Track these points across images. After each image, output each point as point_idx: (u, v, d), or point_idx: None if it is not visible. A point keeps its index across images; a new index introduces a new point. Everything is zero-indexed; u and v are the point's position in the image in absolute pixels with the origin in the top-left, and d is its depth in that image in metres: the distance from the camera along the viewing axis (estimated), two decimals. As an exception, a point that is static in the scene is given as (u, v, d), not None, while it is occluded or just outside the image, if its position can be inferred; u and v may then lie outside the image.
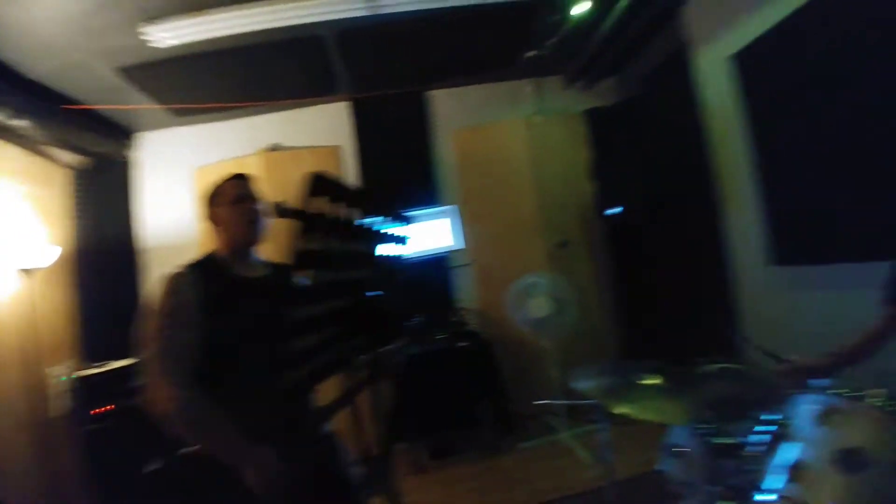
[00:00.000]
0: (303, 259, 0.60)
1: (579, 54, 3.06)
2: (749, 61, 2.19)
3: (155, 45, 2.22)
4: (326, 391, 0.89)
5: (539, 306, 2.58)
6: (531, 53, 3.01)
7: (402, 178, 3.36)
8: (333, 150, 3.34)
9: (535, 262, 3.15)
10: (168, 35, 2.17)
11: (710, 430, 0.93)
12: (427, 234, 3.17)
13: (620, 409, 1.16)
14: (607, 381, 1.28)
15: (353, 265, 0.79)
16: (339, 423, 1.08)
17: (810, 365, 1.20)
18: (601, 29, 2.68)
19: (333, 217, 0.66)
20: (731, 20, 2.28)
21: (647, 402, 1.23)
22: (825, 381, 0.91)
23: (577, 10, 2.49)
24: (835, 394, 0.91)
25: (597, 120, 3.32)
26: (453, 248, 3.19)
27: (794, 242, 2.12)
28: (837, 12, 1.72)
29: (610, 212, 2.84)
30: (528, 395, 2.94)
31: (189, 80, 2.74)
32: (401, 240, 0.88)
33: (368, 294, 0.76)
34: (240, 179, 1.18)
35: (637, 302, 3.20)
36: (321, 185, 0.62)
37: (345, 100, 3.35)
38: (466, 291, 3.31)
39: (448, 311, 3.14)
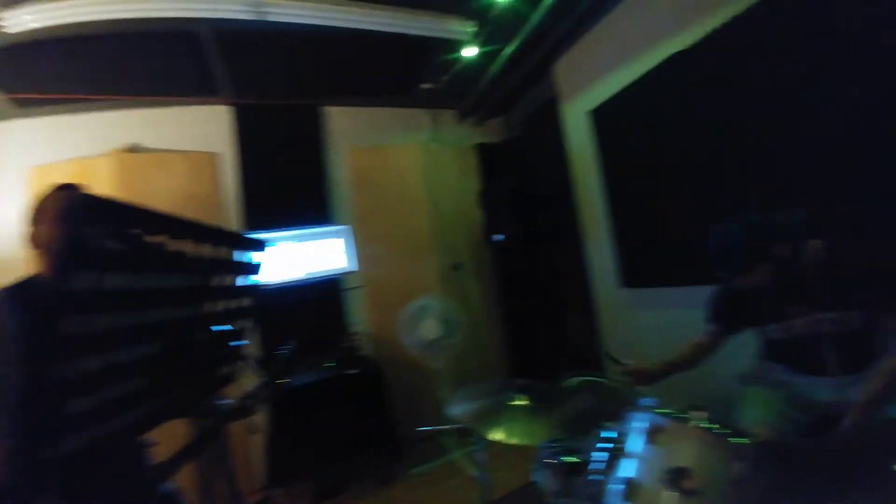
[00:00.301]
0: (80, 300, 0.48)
1: (469, 93, 3.31)
2: (603, 117, 2.62)
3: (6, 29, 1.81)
4: (169, 442, 0.76)
5: (430, 328, 2.62)
6: (426, 86, 3.17)
7: (290, 193, 3.14)
8: (209, 157, 2.99)
9: (428, 283, 3.22)
10: (28, 19, 1.79)
11: (559, 448, 0.99)
12: (319, 255, 3.02)
13: (491, 434, 1.16)
14: (479, 406, 1.29)
15: (183, 299, 0.67)
16: (185, 477, 0.92)
17: (644, 369, 1.43)
18: (488, 74, 2.95)
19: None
20: (589, 82, 2.71)
21: (517, 423, 1.25)
22: (652, 401, 0.95)
23: (466, 54, 2.70)
24: (661, 413, 0.93)
25: (485, 154, 3.62)
26: (346, 270, 3.08)
27: (637, 268, 2.53)
28: (668, 82, 2.17)
29: (496, 238, 3.05)
30: (421, 418, 2.94)
31: (39, 68, 2.26)
32: (249, 268, 0.80)
33: (214, 329, 0.67)
34: (68, 191, 0.97)
35: (519, 322, 3.46)
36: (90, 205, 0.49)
37: (225, 103, 3.05)
38: (359, 315, 3.20)
39: (339, 336, 2.99)
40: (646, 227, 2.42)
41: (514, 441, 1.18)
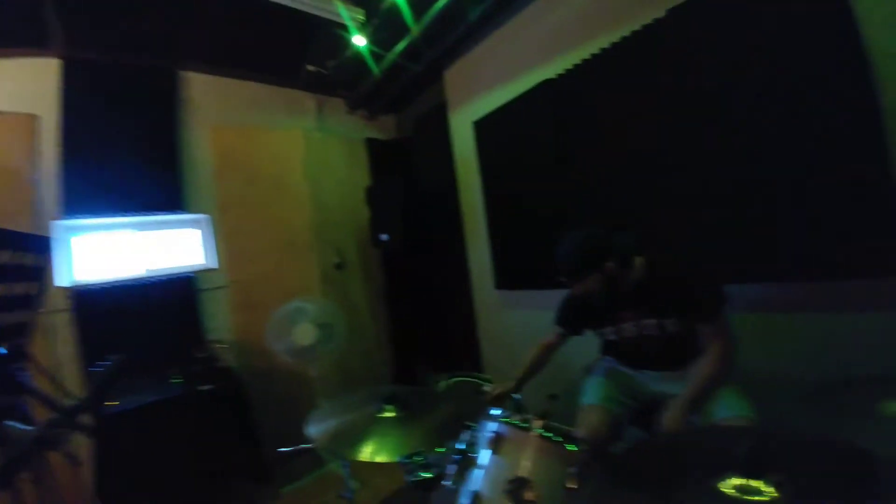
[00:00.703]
0: None
1: (359, 84, 3.17)
2: (485, 129, 2.75)
3: None
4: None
5: (304, 334, 2.43)
6: (312, 68, 2.93)
7: (131, 172, 2.56)
8: (26, 120, 2.30)
9: (306, 284, 3.00)
10: None
11: (414, 463, 0.99)
12: (168, 248, 2.55)
13: (356, 454, 1.09)
14: (339, 424, 1.21)
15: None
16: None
17: (503, 391, 1.53)
18: (379, 67, 2.85)
19: None
20: (475, 93, 2.82)
21: (385, 437, 1.19)
22: (498, 410, 0.97)
23: (356, 42, 2.57)
24: (506, 422, 0.94)
25: (375, 150, 3.52)
26: (204, 267, 2.67)
27: (510, 271, 2.73)
28: (539, 106, 2.36)
29: (382, 237, 2.98)
30: (297, 432, 2.70)
31: None
32: (28, 272, 0.61)
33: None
34: None
35: (405, 324, 3.46)
36: None
37: (55, 56, 2.38)
38: (220, 320, 2.81)
39: (193, 345, 2.58)
40: (517, 235, 2.62)
41: (380, 459, 1.11)
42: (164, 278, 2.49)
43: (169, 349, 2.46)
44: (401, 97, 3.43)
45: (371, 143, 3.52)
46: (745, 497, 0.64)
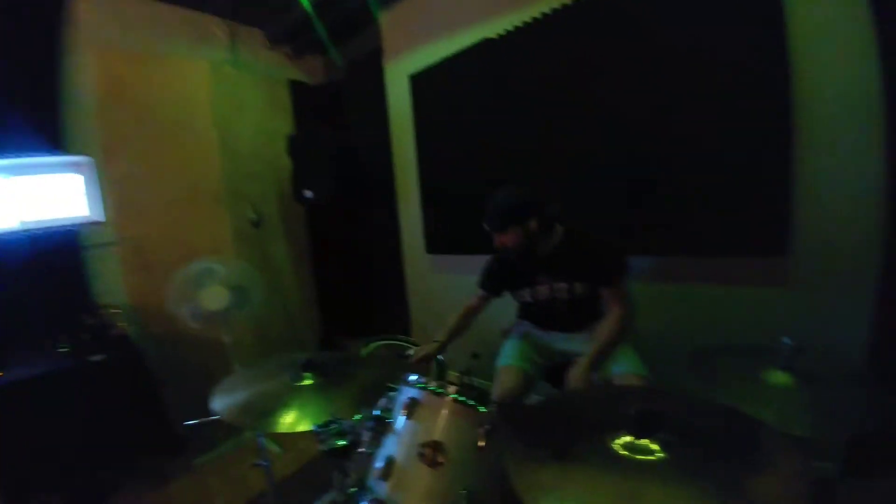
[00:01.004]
0: None
1: (283, 16, 2.78)
2: (421, 84, 2.59)
3: None
4: None
5: (214, 297, 2.22)
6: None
7: None
8: None
9: (217, 242, 2.72)
10: None
11: (328, 431, 0.96)
12: (46, 197, 2.13)
13: (271, 425, 1.04)
14: (252, 393, 1.14)
15: None
16: None
17: (427, 353, 1.55)
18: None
19: None
20: (413, 45, 2.62)
21: (304, 406, 1.13)
22: (414, 376, 0.97)
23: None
24: (421, 387, 0.94)
25: (300, 95, 3.17)
26: (88, 220, 2.28)
27: (439, 236, 2.71)
28: (477, 65, 2.27)
29: (306, 194, 2.77)
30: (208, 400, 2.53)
31: None
32: None
33: None
34: None
35: (332, 286, 3.33)
36: None
37: None
38: (113, 282, 2.46)
39: (81, 311, 2.24)
40: (449, 199, 2.59)
41: (299, 428, 1.05)
42: (41, 232, 2.09)
43: (52, 314, 2.13)
44: (332, 37, 3.07)
45: (295, 86, 3.15)
46: (634, 456, 0.70)
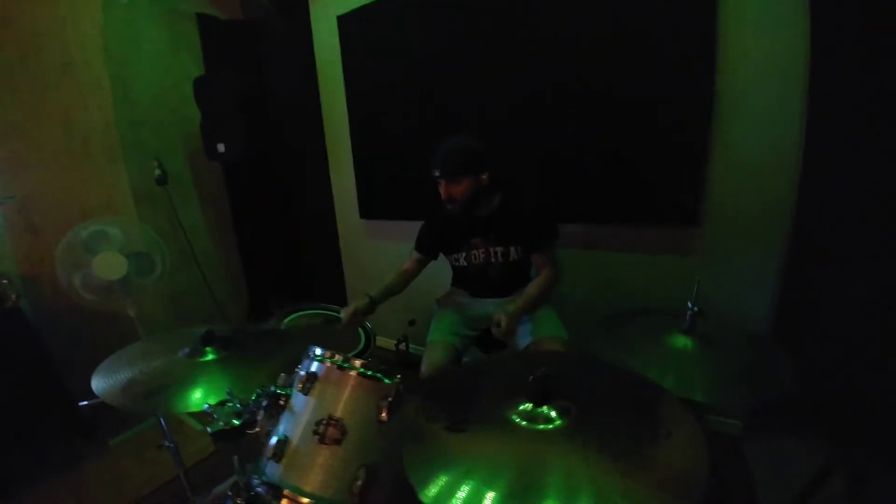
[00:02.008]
0: None
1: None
2: (349, 26, 2.33)
3: None
4: None
5: (108, 265, 1.95)
6: None
7: None
8: None
9: (114, 202, 2.37)
10: None
11: (223, 412, 0.87)
12: None
13: (164, 407, 0.97)
14: (141, 372, 1.03)
15: None
16: None
17: (355, 310, 1.46)
18: None
19: None
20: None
21: (208, 384, 1.05)
22: (317, 348, 0.89)
23: None
24: (320, 359, 0.87)
25: (210, 31, 2.73)
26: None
27: (373, 200, 2.57)
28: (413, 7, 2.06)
29: (220, 148, 2.46)
30: None
31: None
32: None
33: None
34: None
35: (258, 253, 3.08)
36: None
37: None
38: (1, 248, 2.10)
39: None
40: (381, 160, 2.43)
41: (194, 409, 0.98)
42: None
43: None
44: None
45: (205, 21, 2.71)
46: (535, 424, 0.69)
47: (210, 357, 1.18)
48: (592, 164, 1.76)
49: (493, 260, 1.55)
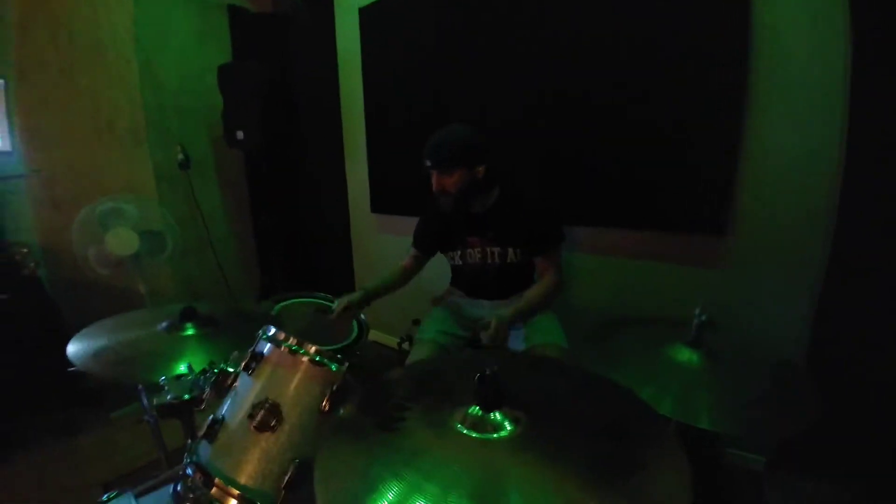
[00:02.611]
0: None
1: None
2: (370, 19, 2.32)
3: None
4: None
5: (122, 241, 2.00)
6: None
7: None
8: None
9: (135, 182, 2.45)
10: None
11: (176, 384, 0.84)
12: None
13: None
14: (115, 343, 1.05)
15: None
16: None
17: (348, 304, 1.42)
18: None
19: None
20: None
21: (191, 358, 1.04)
22: (271, 327, 0.83)
23: None
24: (267, 338, 0.81)
25: (241, 23, 2.81)
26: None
27: (384, 194, 2.54)
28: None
29: (239, 136, 2.51)
30: None
31: None
32: None
33: None
34: None
35: (272, 239, 3.11)
36: None
37: None
38: (22, 218, 2.21)
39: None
40: (394, 155, 2.40)
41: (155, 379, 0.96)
42: None
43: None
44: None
45: (235, 13, 2.79)
46: (473, 431, 0.60)
47: (189, 332, 1.18)
48: (609, 163, 1.64)
49: (489, 261, 1.45)
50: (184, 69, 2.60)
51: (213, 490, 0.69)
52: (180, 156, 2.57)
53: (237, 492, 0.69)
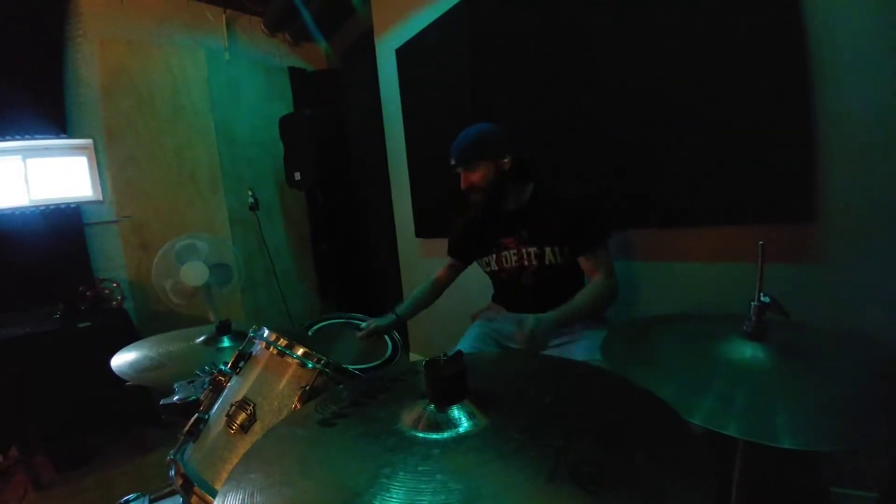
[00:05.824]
0: None
1: (277, 4, 2.80)
2: (405, 58, 2.46)
3: None
4: None
5: (194, 273, 2.24)
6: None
7: (8, 91, 2.28)
8: None
9: (212, 224, 2.78)
10: None
11: (191, 385, 0.85)
12: (53, 177, 2.32)
13: None
14: (162, 354, 1.14)
15: None
16: None
17: (376, 326, 1.40)
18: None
19: None
20: (399, 18, 2.51)
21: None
22: (265, 328, 0.81)
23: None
24: (260, 340, 0.79)
25: (300, 81, 3.18)
26: (90, 199, 2.42)
27: (427, 219, 2.56)
28: (453, 30, 2.11)
29: (296, 176, 2.75)
30: None
31: None
32: None
33: None
34: None
35: (330, 270, 3.29)
36: None
37: None
38: (114, 258, 2.58)
39: (77, 281, 2.38)
40: (433, 179, 2.43)
41: None
42: (48, 209, 2.29)
43: (51, 284, 2.28)
44: (330, 23, 3.06)
45: (295, 73, 3.18)
46: (419, 431, 0.49)
47: (225, 344, 1.24)
48: (655, 158, 1.44)
49: (526, 263, 1.33)
50: (253, 123, 2.98)
51: (193, 498, 0.66)
52: (251, 199, 2.88)
53: (212, 499, 0.65)
